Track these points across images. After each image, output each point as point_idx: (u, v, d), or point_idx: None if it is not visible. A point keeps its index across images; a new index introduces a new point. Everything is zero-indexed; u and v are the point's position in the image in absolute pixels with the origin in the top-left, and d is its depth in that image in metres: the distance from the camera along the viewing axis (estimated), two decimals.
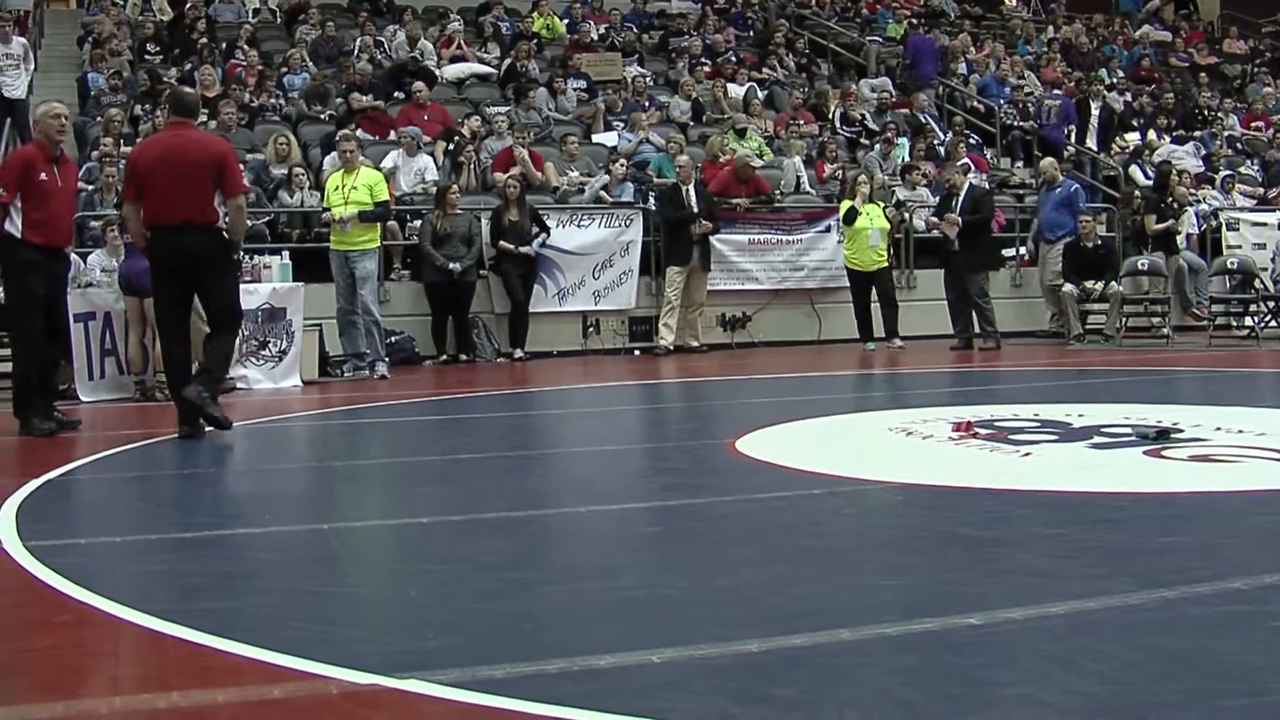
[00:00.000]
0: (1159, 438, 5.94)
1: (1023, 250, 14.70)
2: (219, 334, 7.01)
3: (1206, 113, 18.54)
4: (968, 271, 12.61)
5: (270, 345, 9.96)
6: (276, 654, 2.87)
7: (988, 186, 14.07)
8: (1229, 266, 14.03)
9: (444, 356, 12.07)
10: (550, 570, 3.91)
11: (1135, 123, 18.01)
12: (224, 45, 15.68)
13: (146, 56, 15.47)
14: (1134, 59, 20.77)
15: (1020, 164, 16.68)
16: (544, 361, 12.30)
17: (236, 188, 6.95)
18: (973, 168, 14.34)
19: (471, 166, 13.29)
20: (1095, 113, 17.38)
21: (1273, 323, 13.39)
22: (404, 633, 3.11)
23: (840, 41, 19.32)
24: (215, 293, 6.94)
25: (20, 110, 13.08)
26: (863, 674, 2.74)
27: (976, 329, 12.72)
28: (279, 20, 17.49)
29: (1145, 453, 5.67)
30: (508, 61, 16.12)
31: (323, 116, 14.23)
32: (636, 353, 12.93)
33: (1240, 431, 6.23)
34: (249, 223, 8.76)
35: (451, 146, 13.52)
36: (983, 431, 6.33)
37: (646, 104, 15.55)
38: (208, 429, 6.77)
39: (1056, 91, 17.37)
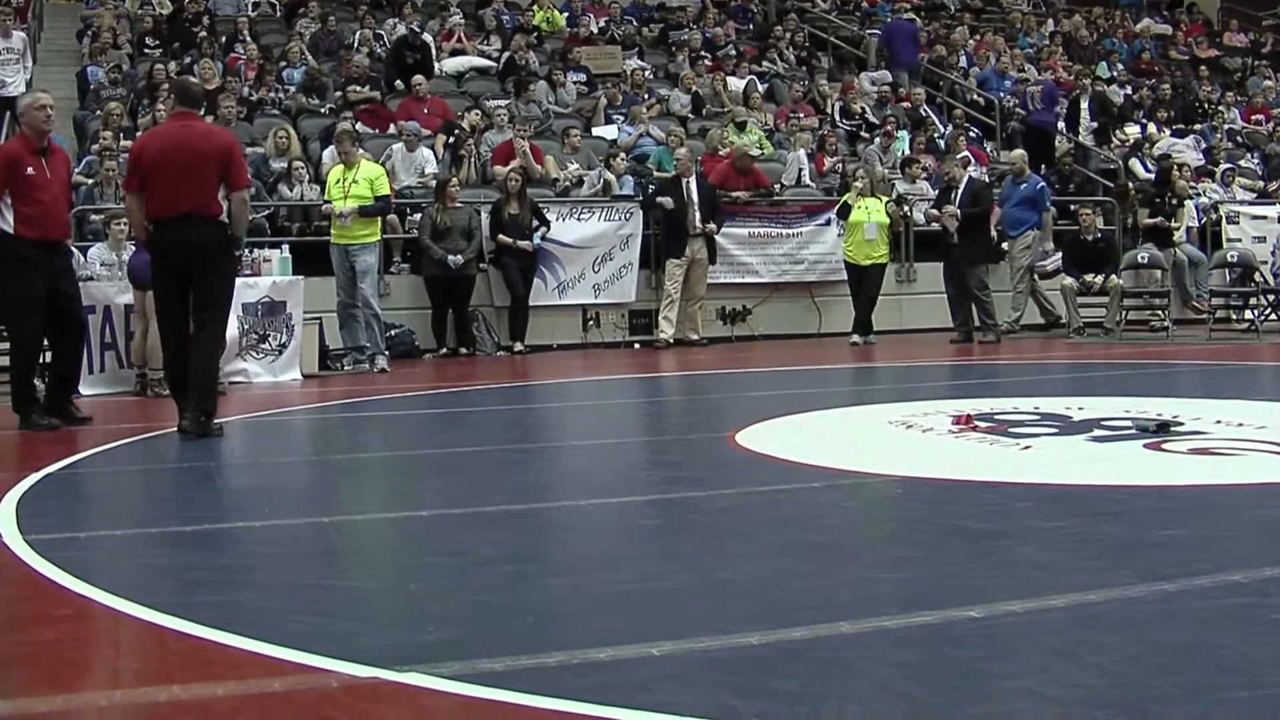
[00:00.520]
0: (1159, 431, 5.94)
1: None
2: (201, 334, 6.74)
3: (1207, 106, 18.53)
4: (967, 265, 12.61)
5: (270, 339, 9.96)
6: (277, 647, 2.88)
7: (987, 180, 14.05)
8: (1229, 260, 14.02)
9: (444, 350, 12.07)
10: (550, 563, 3.91)
11: (1135, 116, 17.99)
12: (223, 39, 15.66)
13: (146, 50, 15.44)
14: (1134, 52, 20.76)
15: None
16: (544, 355, 12.29)
17: (242, 181, 6.85)
18: (972, 161, 14.32)
19: (471, 160, 13.28)
20: (1084, 105, 17.35)
21: (1273, 316, 13.39)
22: (404, 626, 3.11)
23: (840, 35, 19.30)
24: (209, 286, 6.74)
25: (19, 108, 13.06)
26: (863, 667, 2.74)
27: (976, 322, 12.73)
28: (278, 14, 17.47)
29: (1145, 446, 5.67)
30: (507, 54, 16.11)
31: (322, 110, 14.22)
32: (636, 346, 12.93)
33: (1240, 425, 6.24)
34: (249, 216, 8.69)
35: (451, 140, 13.52)
36: (983, 424, 6.33)
37: (646, 96, 15.53)
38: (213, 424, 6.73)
39: (1034, 77, 17.30)
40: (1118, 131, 17.26)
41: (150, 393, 8.92)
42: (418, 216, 12.35)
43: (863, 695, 2.56)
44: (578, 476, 5.75)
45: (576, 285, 12.89)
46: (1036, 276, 13.43)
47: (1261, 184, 16.74)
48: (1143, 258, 13.44)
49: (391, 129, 13.82)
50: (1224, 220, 15.07)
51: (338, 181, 10.76)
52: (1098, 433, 6.09)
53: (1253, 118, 18.89)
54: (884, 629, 2.96)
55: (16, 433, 7.13)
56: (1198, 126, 17.94)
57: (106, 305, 9.33)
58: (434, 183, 12.35)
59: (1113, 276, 13.04)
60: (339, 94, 14.45)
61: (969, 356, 11.52)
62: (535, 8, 17.87)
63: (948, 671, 2.68)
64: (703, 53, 17.25)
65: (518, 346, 12.19)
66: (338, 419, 8.09)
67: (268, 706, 2.59)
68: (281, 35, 16.27)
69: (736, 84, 16.27)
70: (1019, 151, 14.34)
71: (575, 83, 15.78)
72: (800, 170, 14.39)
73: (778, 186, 14.08)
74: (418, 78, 14.41)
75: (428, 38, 15.87)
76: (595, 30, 17.42)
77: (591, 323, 13.04)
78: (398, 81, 14.81)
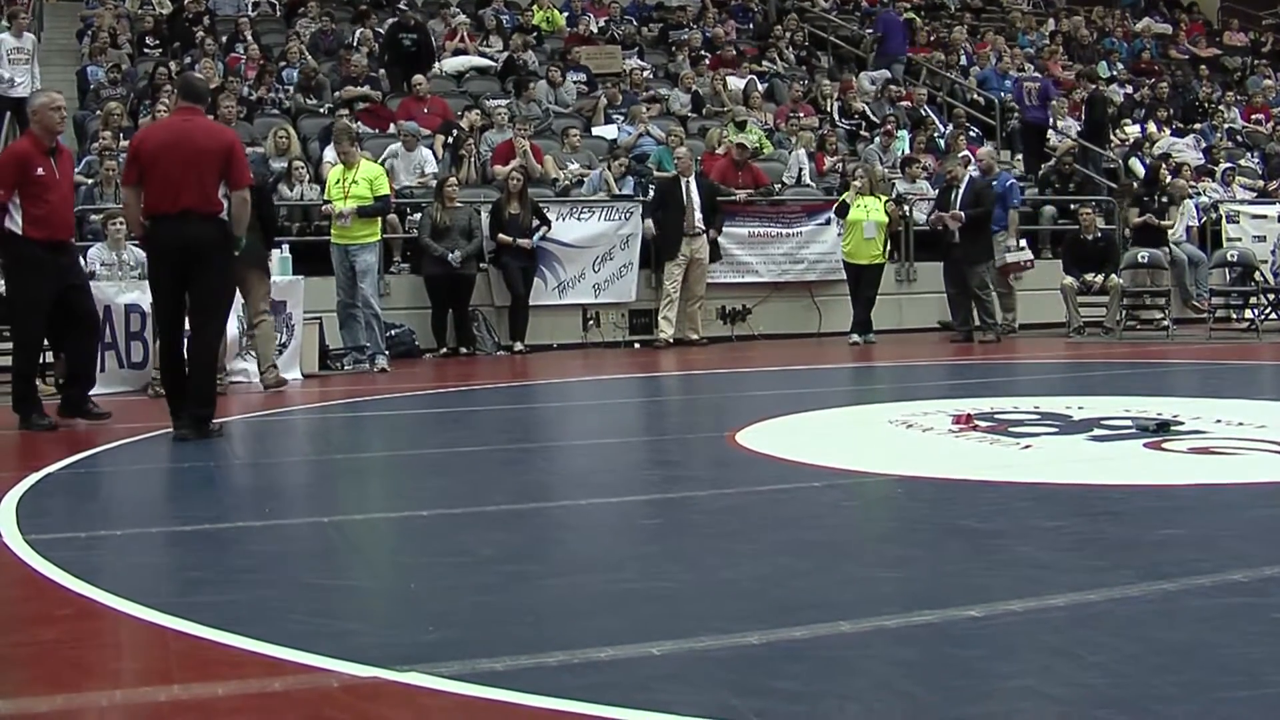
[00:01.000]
0: (1159, 430, 5.94)
1: (1022, 242, 14.68)
2: (199, 337, 6.70)
3: (1207, 105, 18.52)
4: (968, 264, 12.60)
5: None
6: (277, 647, 2.88)
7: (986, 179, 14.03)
8: (1229, 259, 14.02)
9: (444, 350, 12.07)
10: (550, 563, 3.91)
11: (1136, 115, 17.98)
12: (223, 39, 15.66)
13: (146, 50, 15.45)
14: (1134, 52, 20.76)
15: (1019, 156, 16.65)
16: (544, 354, 12.29)
17: (243, 180, 6.73)
18: (973, 160, 14.31)
19: (472, 159, 13.28)
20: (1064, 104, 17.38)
21: (1273, 315, 13.38)
22: (404, 626, 3.11)
23: (840, 34, 19.30)
24: (207, 285, 6.66)
25: (16, 107, 13.09)
26: (863, 666, 2.74)
27: (976, 321, 12.73)
28: (278, 14, 17.47)
29: (1145, 445, 5.67)
30: (505, 54, 16.12)
31: (321, 109, 14.21)
32: (636, 346, 12.93)
33: (1240, 424, 6.24)
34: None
35: (451, 140, 13.52)
36: (983, 424, 6.33)
37: (645, 93, 15.51)
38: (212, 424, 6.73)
39: (1031, 74, 17.31)
40: (1117, 131, 17.25)
41: (151, 392, 8.92)
42: (418, 216, 12.35)
43: (863, 695, 2.56)
44: (578, 476, 5.75)
45: (576, 285, 12.89)
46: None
47: (1261, 183, 16.73)
48: (1143, 257, 13.44)
49: (392, 129, 13.81)
50: (1224, 220, 15.06)
51: (337, 181, 10.75)
52: (1098, 432, 6.09)
53: (1253, 117, 18.89)
54: (884, 629, 2.96)
55: (16, 433, 7.13)
56: (1198, 126, 17.94)
57: (106, 305, 9.31)
58: (434, 183, 12.35)
59: (1113, 276, 13.04)
60: (337, 94, 14.45)
61: (969, 356, 11.52)
62: (535, 7, 17.87)
63: (948, 671, 2.68)
64: (702, 52, 17.25)
65: (518, 346, 12.19)
66: (338, 419, 8.09)
67: (268, 706, 2.59)
68: (281, 35, 16.26)
69: (736, 83, 16.27)
70: (986, 149, 14.31)
71: (575, 82, 15.78)
72: (800, 170, 14.39)
73: (777, 186, 14.08)
74: (418, 77, 14.41)
75: (432, 26, 15.88)
76: (595, 30, 17.42)
77: (591, 322, 13.04)
78: (397, 76, 14.81)
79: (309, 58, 15.18)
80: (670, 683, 2.62)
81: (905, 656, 2.79)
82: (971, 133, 16.20)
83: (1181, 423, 6.22)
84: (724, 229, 13.16)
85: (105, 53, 14.61)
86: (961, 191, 12.73)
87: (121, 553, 4.15)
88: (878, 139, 15.45)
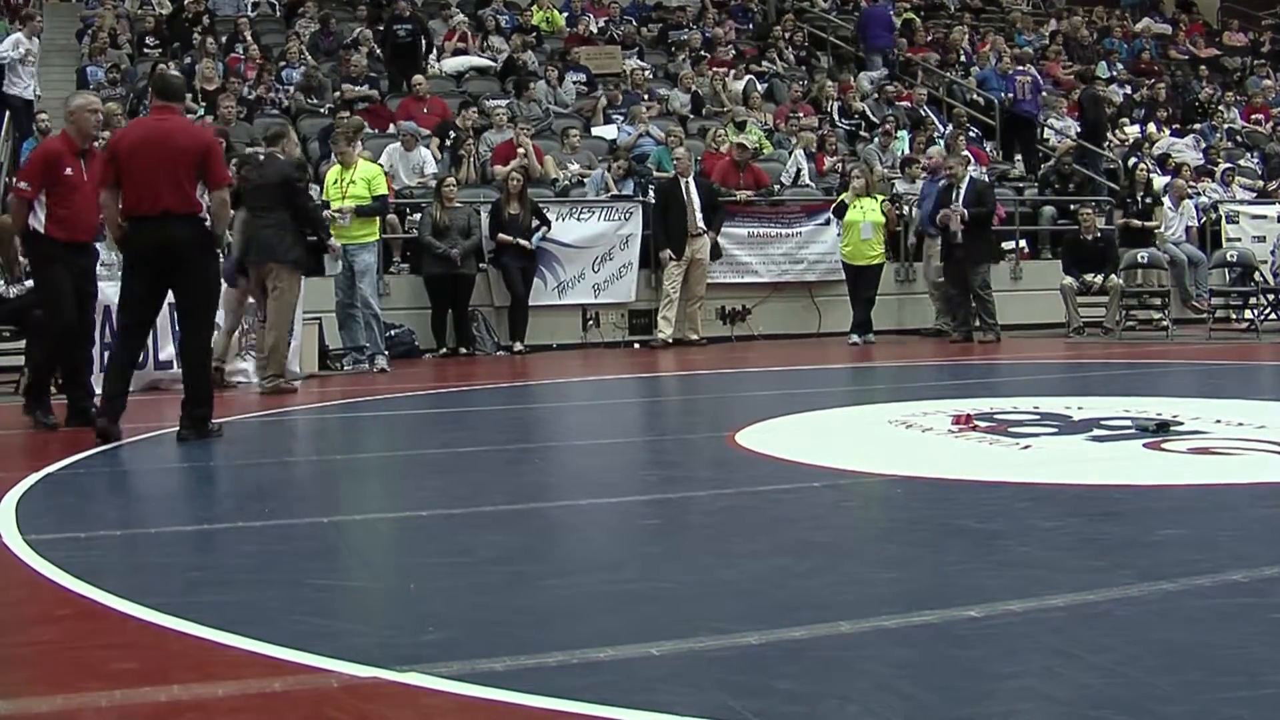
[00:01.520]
0: (1159, 430, 5.94)
1: (1022, 244, 14.70)
2: (188, 344, 6.66)
3: (1206, 105, 18.52)
4: (970, 264, 12.60)
5: None
6: (277, 647, 2.88)
7: (988, 179, 14.06)
8: (1229, 259, 14.02)
9: (443, 350, 12.07)
10: (550, 563, 3.91)
11: (1135, 115, 17.98)
12: (223, 39, 15.67)
13: (146, 50, 15.45)
14: (1134, 52, 20.75)
15: (1019, 157, 16.65)
16: (543, 355, 12.30)
17: (221, 179, 6.62)
18: (972, 160, 14.31)
19: (471, 160, 13.28)
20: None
21: (1272, 315, 13.38)
22: (404, 626, 3.11)
23: (840, 34, 19.30)
24: (192, 287, 6.54)
25: (27, 110, 13.13)
26: (863, 667, 2.74)
27: (976, 322, 12.73)
28: (278, 14, 17.47)
29: (1145, 445, 5.67)
30: (506, 54, 16.12)
31: (321, 110, 14.22)
32: (636, 346, 12.93)
33: (1240, 424, 6.24)
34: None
35: (449, 142, 13.52)
36: (982, 424, 6.33)
37: (645, 96, 15.52)
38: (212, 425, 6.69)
39: (1020, 67, 17.34)
40: (1117, 131, 17.25)
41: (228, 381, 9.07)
42: (417, 216, 12.35)
43: (862, 695, 2.55)
44: (578, 476, 5.75)
45: (576, 285, 12.89)
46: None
47: (1261, 183, 16.73)
48: (1143, 258, 13.45)
49: (391, 129, 13.81)
50: (1224, 220, 15.07)
51: (335, 182, 10.74)
52: (1097, 432, 6.09)
53: (1252, 117, 18.88)
54: (884, 629, 2.96)
55: (16, 433, 7.14)
56: (1197, 126, 17.94)
57: (105, 305, 9.30)
58: (434, 183, 12.35)
59: (1112, 276, 13.04)
60: (337, 94, 14.45)
61: (969, 356, 11.52)
62: (535, 8, 17.88)
63: (948, 671, 2.68)
64: (702, 52, 17.25)
65: (517, 346, 12.20)
66: (337, 419, 8.09)
67: (268, 706, 2.59)
68: (281, 35, 16.27)
69: (736, 84, 16.27)
70: (936, 149, 14.30)
71: (575, 83, 15.78)
72: (799, 170, 14.38)
73: (777, 186, 14.08)
74: (417, 78, 14.42)
75: (434, 26, 15.89)
76: (595, 30, 17.42)
77: (591, 323, 13.04)
78: (395, 72, 14.81)
79: (309, 58, 15.19)
80: (670, 683, 2.62)
81: (905, 657, 2.79)
82: (971, 133, 16.20)
83: (1181, 423, 6.22)
84: (724, 228, 13.16)
85: (105, 53, 14.62)
86: (962, 191, 12.72)
87: (121, 553, 4.15)
88: (877, 139, 15.44)
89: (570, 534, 4.43)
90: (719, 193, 13.13)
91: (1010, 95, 16.59)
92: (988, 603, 3.12)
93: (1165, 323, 13.20)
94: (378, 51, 15.64)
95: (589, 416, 8.09)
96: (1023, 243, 14.72)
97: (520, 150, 13.20)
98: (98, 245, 9.91)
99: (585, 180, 13.46)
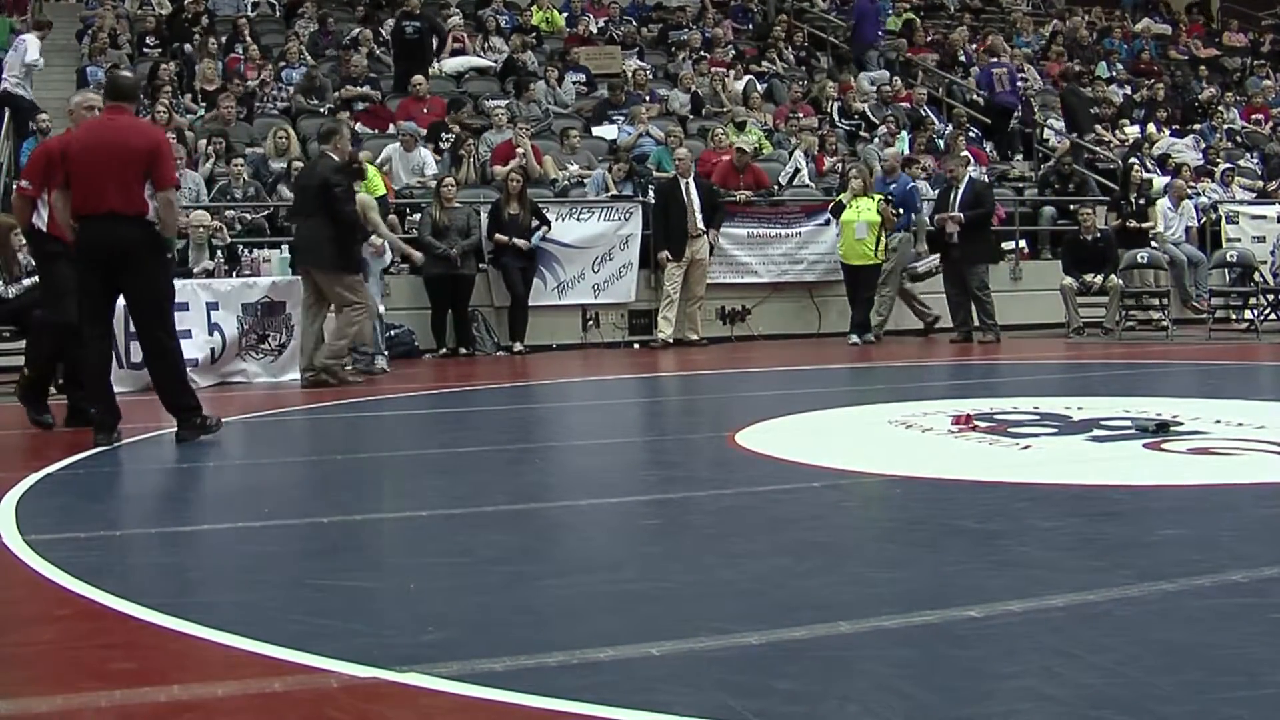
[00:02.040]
0: (1159, 431, 5.94)
1: (1022, 244, 14.70)
2: (150, 352, 6.58)
3: (1206, 106, 18.52)
4: (968, 265, 12.60)
5: (269, 339, 9.94)
6: (276, 647, 2.88)
7: (987, 180, 14.06)
8: (1228, 260, 14.02)
9: (443, 350, 12.07)
10: (550, 563, 3.91)
11: (1135, 115, 17.98)
12: (223, 39, 15.67)
13: (146, 50, 15.45)
14: (1134, 52, 20.76)
15: (1019, 157, 16.66)
16: (543, 355, 12.29)
17: (168, 180, 6.44)
18: (972, 160, 14.32)
19: (471, 160, 13.27)
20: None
21: (1272, 316, 13.38)
22: (404, 626, 3.11)
23: (839, 35, 19.30)
24: (139, 289, 6.43)
25: (31, 111, 13.17)
26: (863, 667, 2.74)
27: (976, 322, 12.73)
28: (278, 14, 17.47)
29: (1145, 445, 5.67)
30: (505, 54, 16.12)
31: (321, 110, 14.21)
32: (636, 346, 12.93)
33: (1240, 424, 6.24)
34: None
35: (443, 144, 13.52)
36: (982, 424, 6.33)
37: (646, 98, 15.52)
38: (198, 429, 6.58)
39: (995, 58, 17.33)
40: (1117, 131, 17.26)
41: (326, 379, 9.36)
42: (417, 217, 12.35)
43: (862, 695, 2.55)
44: (578, 476, 5.75)
45: (576, 285, 12.89)
46: (908, 279, 13.34)
47: (1261, 184, 16.73)
48: (1142, 258, 13.45)
49: (391, 129, 13.81)
50: (1223, 220, 15.07)
51: None
52: (1097, 432, 6.09)
53: (1252, 117, 18.88)
54: (884, 629, 2.96)
55: (16, 433, 7.13)
56: (1197, 126, 17.94)
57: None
58: (433, 183, 12.35)
59: (1112, 277, 13.04)
60: (337, 94, 14.45)
61: (968, 356, 11.52)
62: (534, 8, 17.87)
63: (948, 671, 2.68)
64: (702, 53, 17.25)
65: (517, 346, 12.19)
66: (337, 419, 8.08)
67: (268, 707, 2.59)
68: (281, 35, 16.27)
69: (736, 84, 16.26)
70: (892, 150, 14.27)
71: (575, 83, 15.78)
72: (799, 170, 14.38)
73: (776, 186, 14.08)
74: (417, 77, 14.41)
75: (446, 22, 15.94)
76: (595, 30, 17.42)
77: (591, 323, 13.04)
78: (401, 71, 14.79)
79: (309, 58, 15.18)
80: (670, 683, 2.62)
81: (905, 657, 2.79)
82: (971, 133, 16.20)
83: (1181, 423, 6.22)
84: (724, 229, 13.16)
85: (105, 53, 14.61)
86: (961, 192, 12.73)
87: (121, 553, 4.15)
88: (877, 139, 15.45)
89: (570, 534, 4.43)
90: (719, 193, 13.13)
91: (986, 89, 16.64)
92: (987, 603, 3.12)
93: (1165, 323, 13.21)
94: (377, 51, 15.64)
95: (589, 417, 8.09)
96: (1022, 243, 14.72)
97: (519, 150, 13.20)
98: None
99: (585, 180, 13.45)
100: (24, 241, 8.27)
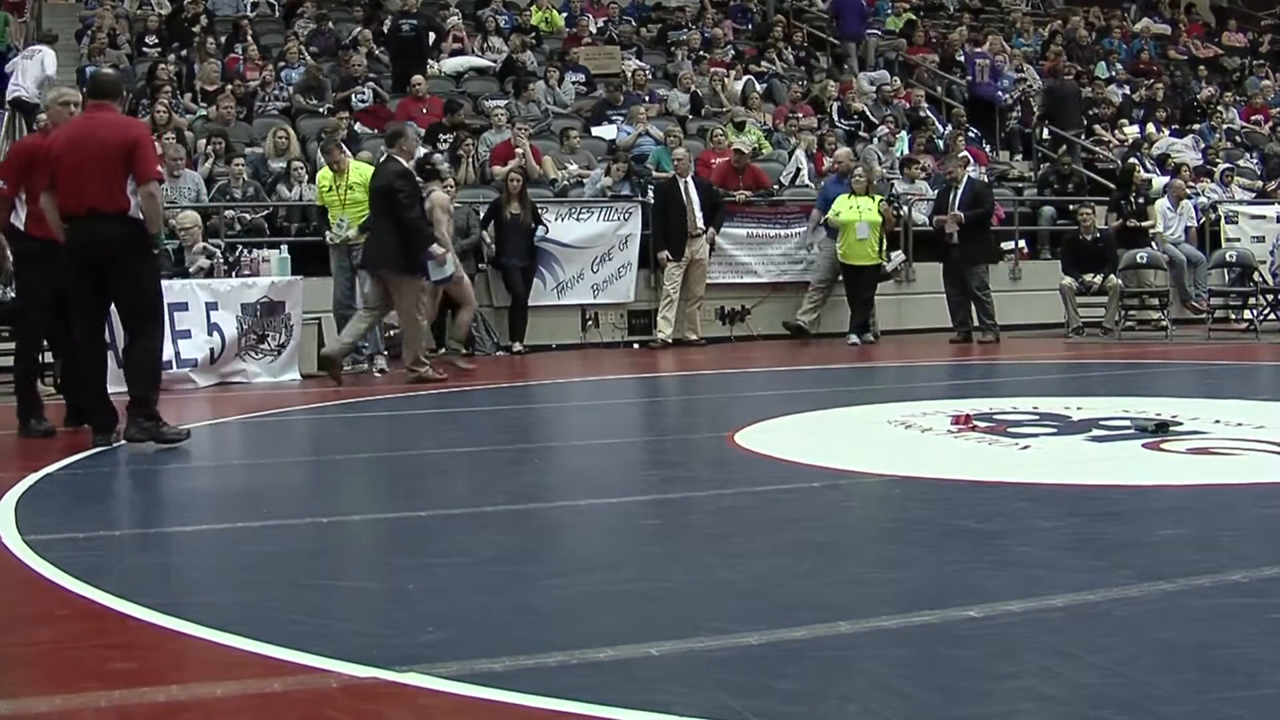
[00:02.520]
0: (1158, 431, 5.94)
1: (1021, 244, 14.70)
2: (135, 341, 6.48)
3: (1205, 106, 18.52)
4: (967, 265, 12.60)
5: (269, 339, 9.94)
6: (276, 647, 2.88)
7: (986, 179, 14.06)
8: (1228, 260, 14.03)
9: (443, 350, 12.05)
10: (550, 563, 3.91)
11: (1134, 115, 17.98)
12: (223, 39, 15.66)
13: (145, 49, 15.44)
14: (1133, 52, 20.76)
15: (1019, 157, 16.66)
16: (543, 355, 12.29)
17: (149, 174, 6.25)
18: (971, 160, 14.32)
19: (470, 160, 13.27)
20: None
21: (1272, 316, 13.38)
22: (403, 626, 3.11)
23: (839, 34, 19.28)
24: (125, 287, 6.32)
25: (33, 113, 13.20)
26: (862, 667, 2.74)
27: (975, 322, 12.73)
28: (278, 14, 17.47)
29: (1144, 445, 5.67)
30: (504, 54, 16.12)
31: (320, 110, 14.21)
32: (635, 346, 12.93)
33: (1239, 424, 6.24)
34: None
35: (439, 145, 13.52)
36: (981, 424, 6.33)
37: (646, 98, 15.52)
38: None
39: (980, 50, 17.30)
40: (1116, 131, 17.26)
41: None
42: None
43: (862, 695, 2.55)
44: (577, 476, 5.75)
45: (575, 285, 12.88)
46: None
47: (1260, 184, 16.73)
48: (1142, 258, 13.45)
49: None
50: (1223, 220, 15.07)
51: (330, 188, 10.60)
52: (1096, 432, 6.09)
53: (1251, 117, 18.88)
54: (884, 629, 2.96)
55: (16, 433, 7.12)
56: (1196, 126, 17.94)
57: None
58: None
59: (1111, 276, 13.05)
60: (337, 94, 14.44)
61: (968, 356, 11.52)
62: (534, 8, 17.86)
63: (947, 671, 2.68)
64: (701, 53, 17.25)
65: (517, 347, 12.19)
66: (337, 419, 8.08)
67: (267, 707, 2.59)
68: (280, 35, 16.26)
69: (735, 84, 16.26)
70: (844, 150, 14.25)
71: (574, 83, 15.77)
72: (799, 170, 14.38)
73: (777, 186, 14.07)
74: (416, 78, 14.41)
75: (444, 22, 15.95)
76: (594, 30, 17.41)
77: (590, 323, 13.04)
78: (398, 71, 14.80)
79: (309, 58, 15.18)
80: (670, 683, 2.62)
81: (905, 657, 2.79)
82: (970, 133, 16.20)
83: (1180, 423, 6.22)
84: (724, 229, 13.14)
85: (105, 53, 14.60)
86: (961, 192, 12.73)
87: (120, 553, 4.15)
88: (877, 139, 15.44)
89: (570, 534, 4.43)
90: (719, 193, 13.13)
91: (969, 78, 16.65)
92: (987, 603, 3.12)
93: (1164, 323, 13.21)
94: (376, 51, 15.63)
95: (589, 417, 8.09)
96: (1022, 243, 14.72)
97: (518, 150, 13.19)
98: None
99: (584, 180, 13.45)
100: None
